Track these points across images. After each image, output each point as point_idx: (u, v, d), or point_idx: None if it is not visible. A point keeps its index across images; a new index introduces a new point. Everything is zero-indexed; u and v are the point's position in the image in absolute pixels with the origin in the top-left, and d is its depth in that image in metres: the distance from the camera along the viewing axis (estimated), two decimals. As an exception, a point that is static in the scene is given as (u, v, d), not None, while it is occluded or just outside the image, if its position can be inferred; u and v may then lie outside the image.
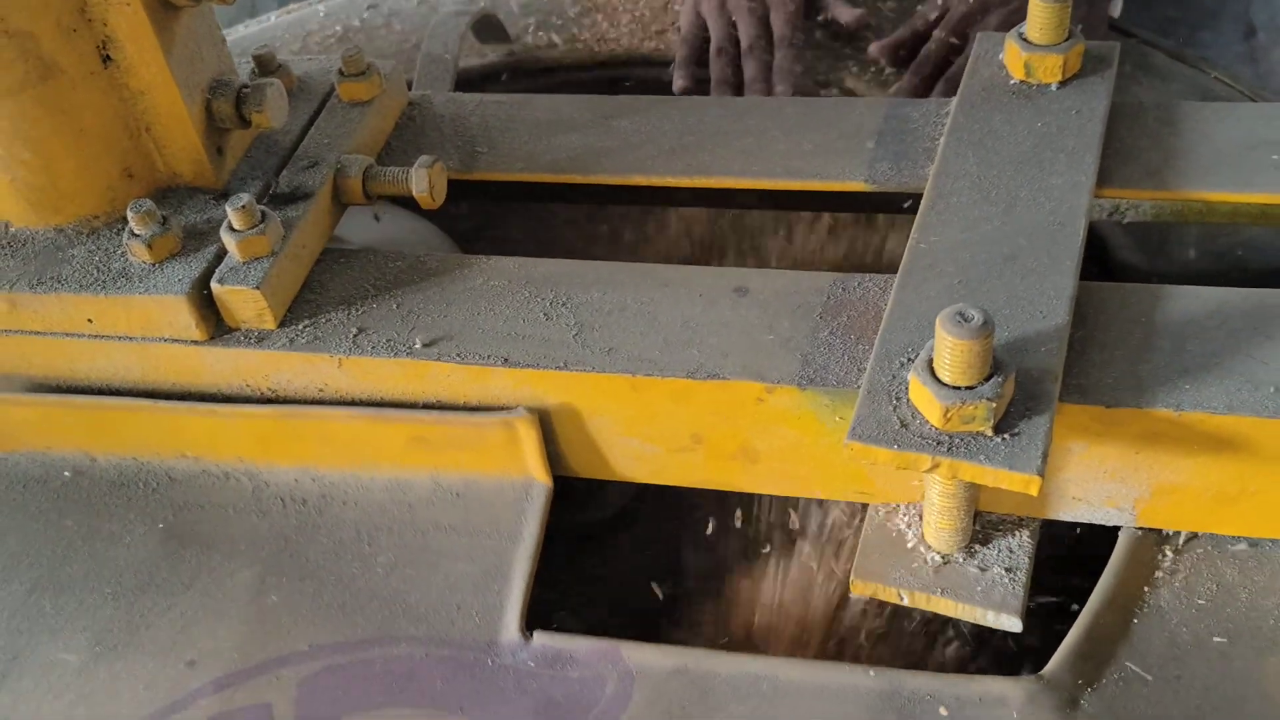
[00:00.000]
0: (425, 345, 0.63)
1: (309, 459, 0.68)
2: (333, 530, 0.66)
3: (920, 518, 0.61)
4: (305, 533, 0.66)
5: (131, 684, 0.60)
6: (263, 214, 0.64)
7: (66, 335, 0.67)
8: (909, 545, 0.61)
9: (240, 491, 0.68)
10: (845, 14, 0.92)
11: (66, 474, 0.71)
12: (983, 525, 0.61)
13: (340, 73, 0.75)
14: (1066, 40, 0.70)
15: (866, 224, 0.91)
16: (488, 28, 1.01)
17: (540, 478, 0.65)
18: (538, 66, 1.02)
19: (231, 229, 0.64)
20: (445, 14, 0.97)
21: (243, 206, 0.63)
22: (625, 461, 0.65)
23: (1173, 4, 3.23)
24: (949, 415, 0.51)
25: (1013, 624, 0.58)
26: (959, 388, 0.51)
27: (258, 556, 0.65)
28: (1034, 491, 0.51)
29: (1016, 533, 0.61)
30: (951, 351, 0.51)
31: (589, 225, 0.91)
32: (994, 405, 0.51)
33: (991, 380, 0.51)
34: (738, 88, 0.90)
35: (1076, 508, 0.60)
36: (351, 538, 0.65)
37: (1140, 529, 0.60)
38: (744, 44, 0.91)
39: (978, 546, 0.60)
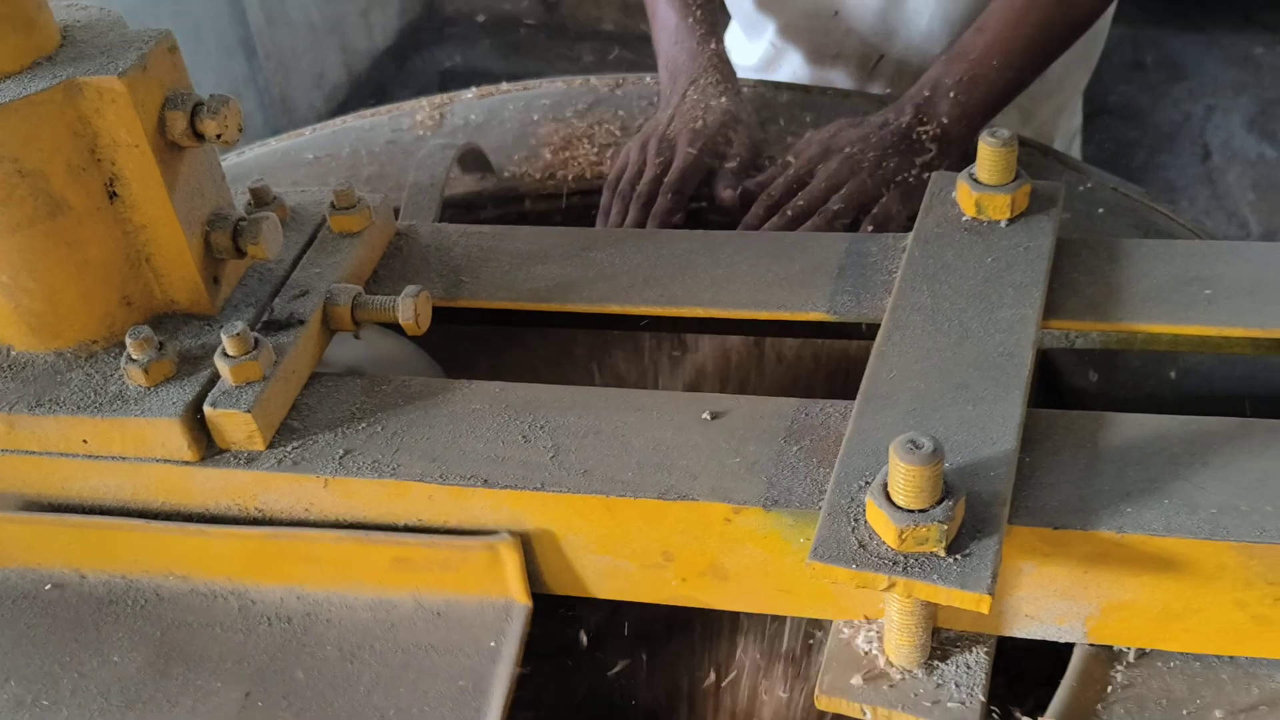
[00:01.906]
0: (408, 467, 0.66)
1: (294, 578, 0.70)
2: (317, 649, 0.68)
3: (881, 634, 0.64)
4: (290, 651, 0.68)
5: (115, 800, 0.62)
6: (255, 340, 0.68)
7: (62, 455, 0.70)
8: (871, 661, 0.63)
9: (227, 610, 0.70)
10: (724, 193, 0.98)
11: (56, 590, 0.72)
12: (941, 641, 0.64)
13: (331, 205, 0.79)
14: (1014, 180, 0.75)
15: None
16: (472, 159, 1.06)
17: (520, 599, 0.68)
18: (517, 194, 1.08)
19: (225, 355, 0.67)
20: (433, 145, 1.02)
21: (237, 334, 0.67)
22: (600, 580, 0.67)
23: (1133, 127, 3.35)
24: (904, 537, 0.54)
25: (971, 739, 0.60)
26: (912, 511, 0.55)
27: (244, 674, 0.67)
28: (985, 610, 0.54)
29: (973, 649, 0.63)
30: (904, 477, 0.54)
31: (567, 349, 0.95)
32: (946, 528, 0.54)
33: (943, 504, 0.55)
34: (620, 219, 0.97)
35: (1030, 625, 0.63)
36: (335, 656, 0.67)
37: (1092, 645, 0.63)
38: (641, 184, 0.97)
39: (937, 662, 0.63)
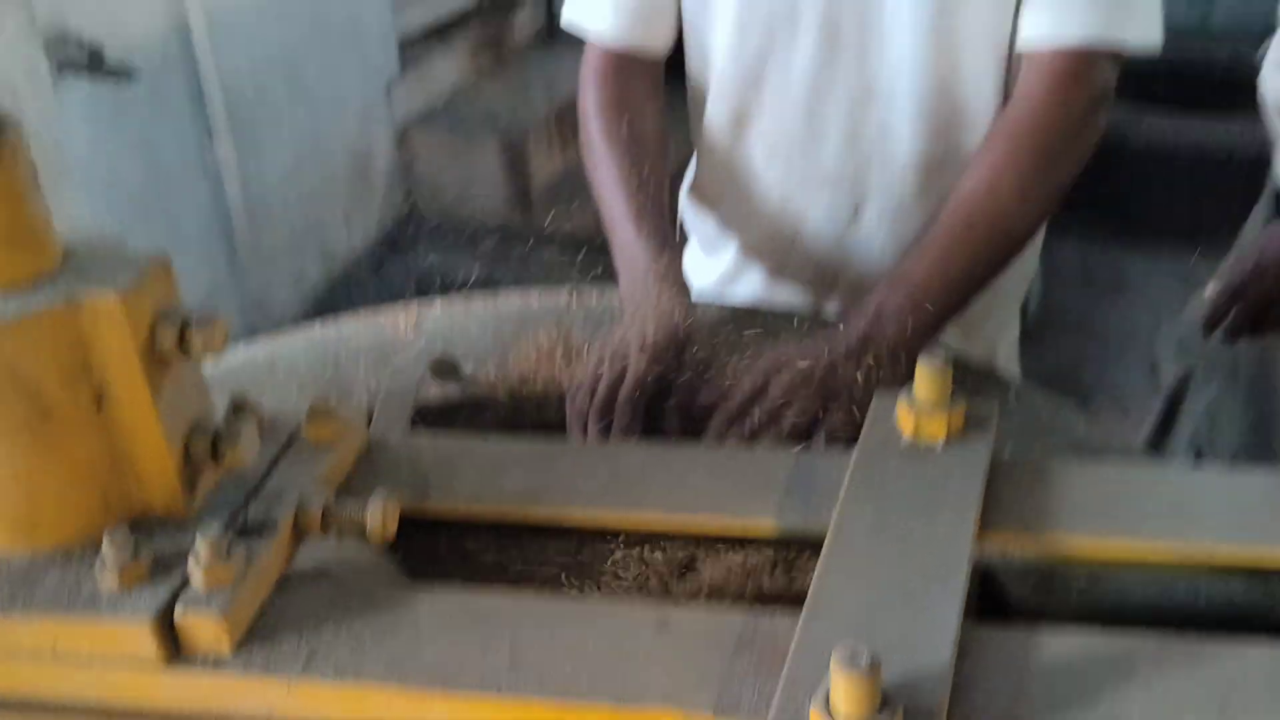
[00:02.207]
0: (370, 672, 0.68)
1: (251, 781, 0.71)
2: None
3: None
4: None
5: None
6: (228, 545, 0.71)
7: (34, 657, 0.71)
8: None
9: (181, 813, 0.71)
10: (679, 404, 1.04)
11: (10, 793, 0.73)
12: None
13: (307, 417, 0.83)
14: (950, 403, 0.80)
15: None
16: (445, 368, 1.11)
17: (472, 802, 0.69)
18: (487, 402, 1.12)
19: (198, 559, 0.70)
20: (407, 355, 1.08)
21: (210, 539, 0.70)
22: (553, 787, 0.69)
23: (1084, 340, 3.48)
24: (844, 747, 0.57)
25: None
26: (853, 721, 0.57)
27: None
28: (922, 821, 0.56)
29: None
30: (845, 688, 0.57)
31: (529, 553, 0.98)
32: (883, 739, 0.57)
33: (881, 714, 0.58)
34: (581, 433, 1.01)
35: (971, 837, 0.65)
36: None
37: None
38: (597, 398, 1.02)
39: None
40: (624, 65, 1.31)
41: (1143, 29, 1.15)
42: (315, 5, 3.28)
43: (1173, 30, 4.29)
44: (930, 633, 0.65)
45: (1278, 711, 0.61)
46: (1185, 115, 4.00)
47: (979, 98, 1.23)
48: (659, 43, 1.33)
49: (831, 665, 0.57)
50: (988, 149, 1.16)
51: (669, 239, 1.19)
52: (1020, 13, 1.17)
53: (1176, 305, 3.46)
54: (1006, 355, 1.48)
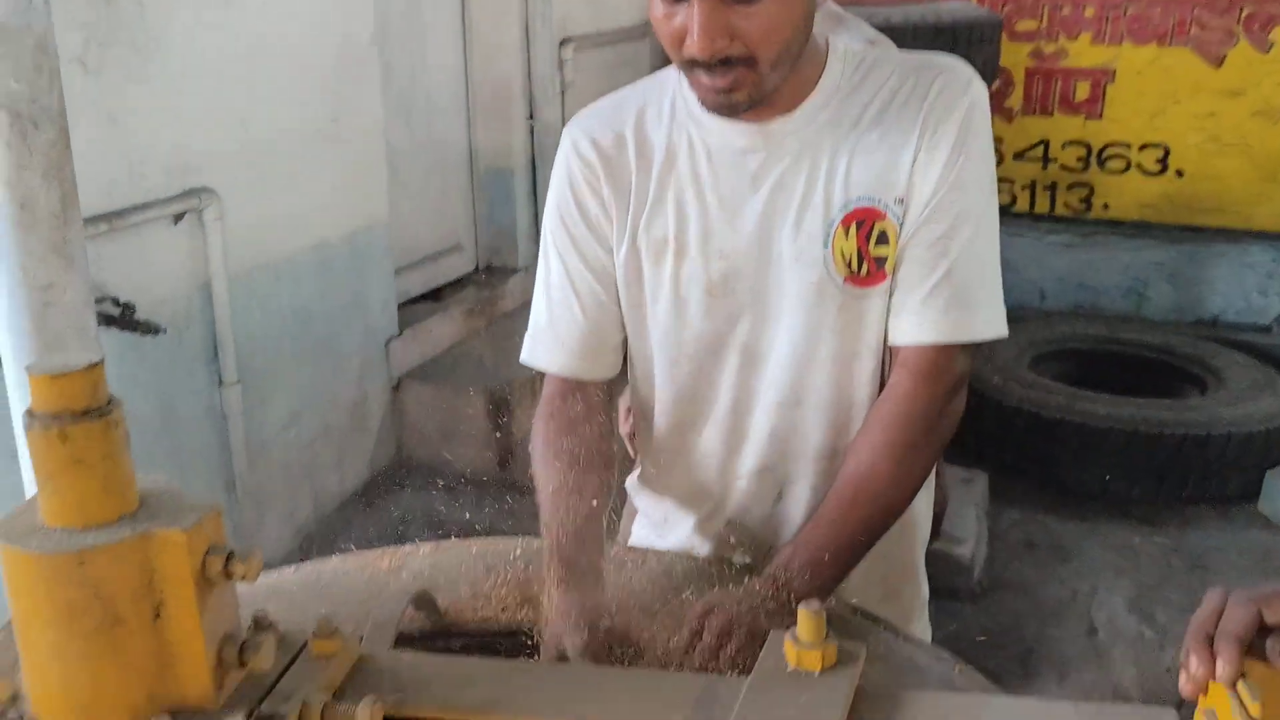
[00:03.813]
0: (353, 837, 0.86)
1: None
2: None
3: None
4: None
5: None
6: (247, 733, 0.90)
7: (81, 818, 0.89)
8: None
9: None
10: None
11: None
12: None
13: (314, 634, 1.04)
14: (824, 640, 1.02)
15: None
16: (424, 601, 1.32)
17: None
18: (460, 631, 1.33)
19: (224, 743, 0.89)
20: (393, 591, 1.29)
21: (236, 727, 0.89)
22: None
23: (1025, 602, 3.67)
24: None
25: None
26: None
27: None
28: None
29: None
30: None
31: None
32: None
33: None
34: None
35: None
36: None
37: None
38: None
39: None
40: (571, 390, 1.57)
41: (987, 323, 1.42)
42: (325, 271, 3.63)
43: (1111, 316, 4.77)
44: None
45: None
46: (1120, 396, 4.33)
47: (865, 394, 1.50)
48: (603, 372, 1.60)
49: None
50: (865, 434, 1.42)
51: (587, 568, 1.39)
52: (889, 317, 1.44)
53: (1111, 572, 3.69)
54: (919, 610, 1.69)
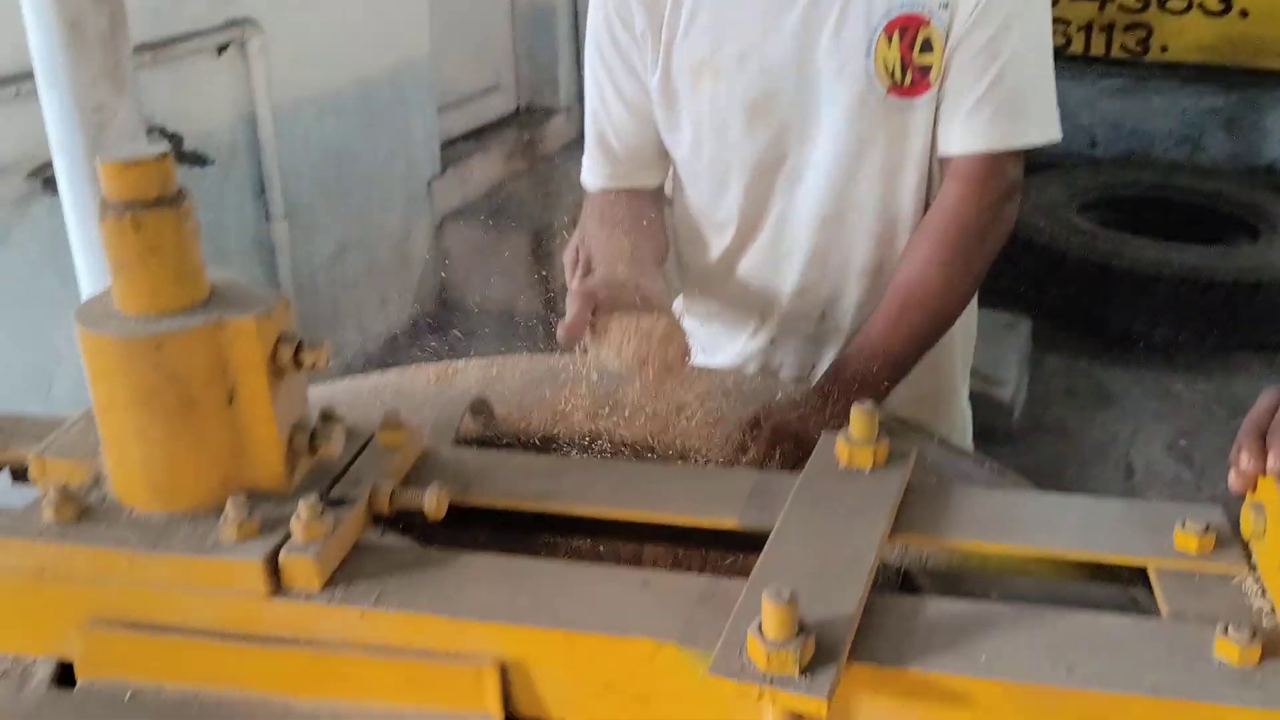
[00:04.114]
0: (424, 606, 0.91)
1: (328, 691, 0.93)
2: (338, 744, 0.90)
3: (762, 753, 0.87)
4: (318, 744, 0.90)
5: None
6: (320, 511, 0.94)
7: (167, 588, 0.94)
8: (754, 772, 0.86)
9: (273, 715, 0.93)
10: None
11: (134, 699, 0.95)
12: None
13: (381, 425, 1.07)
14: (876, 439, 1.04)
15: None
16: (480, 408, 1.35)
17: (495, 714, 0.91)
18: (511, 439, 1.36)
19: (299, 517, 0.93)
20: (454, 394, 1.32)
21: (310, 503, 0.93)
22: (558, 704, 0.91)
23: (1064, 445, 3.69)
24: (769, 659, 0.79)
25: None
26: (777, 641, 0.79)
27: (280, 760, 0.89)
28: (823, 713, 0.78)
29: (827, 766, 0.86)
30: (771, 616, 0.79)
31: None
32: (798, 654, 0.79)
33: (798, 637, 0.80)
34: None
35: (868, 750, 0.86)
36: (352, 751, 0.90)
37: (913, 769, 0.86)
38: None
39: (799, 773, 0.86)
40: (620, 196, 1.61)
41: (1040, 127, 1.41)
42: (368, 107, 3.60)
43: (1163, 163, 4.66)
44: (843, 592, 0.87)
45: (1092, 653, 0.83)
46: (1169, 242, 4.26)
47: (910, 209, 1.49)
48: (653, 181, 1.61)
49: (763, 599, 0.80)
50: (915, 245, 1.42)
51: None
52: (936, 127, 1.42)
53: (1151, 417, 3.70)
54: (960, 434, 1.71)
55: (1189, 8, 5.37)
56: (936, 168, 1.46)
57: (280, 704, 0.93)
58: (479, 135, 4.43)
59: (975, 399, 1.79)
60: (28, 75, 2.31)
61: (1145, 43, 5.49)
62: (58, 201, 2.52)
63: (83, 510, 0.98)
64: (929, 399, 1.59)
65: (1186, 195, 4.83)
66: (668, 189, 1.67)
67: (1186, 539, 0.94)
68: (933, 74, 1.40)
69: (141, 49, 2.64)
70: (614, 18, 1.53)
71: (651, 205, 1.60)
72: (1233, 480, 0.94)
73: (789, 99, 1.46)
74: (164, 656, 0.95)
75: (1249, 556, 0.93)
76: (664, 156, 1.61)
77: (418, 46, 3.83)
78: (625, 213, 1.55)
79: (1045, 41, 1.42)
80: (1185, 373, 3.96)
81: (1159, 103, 5.45)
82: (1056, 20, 5.43)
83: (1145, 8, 5.44)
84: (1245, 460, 0.92)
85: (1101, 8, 5.48)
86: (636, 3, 1.50)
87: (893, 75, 1.40)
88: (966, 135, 1.40)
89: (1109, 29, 5.50)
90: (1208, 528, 0.94)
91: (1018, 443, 3.51)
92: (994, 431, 3.49)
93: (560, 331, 1.22)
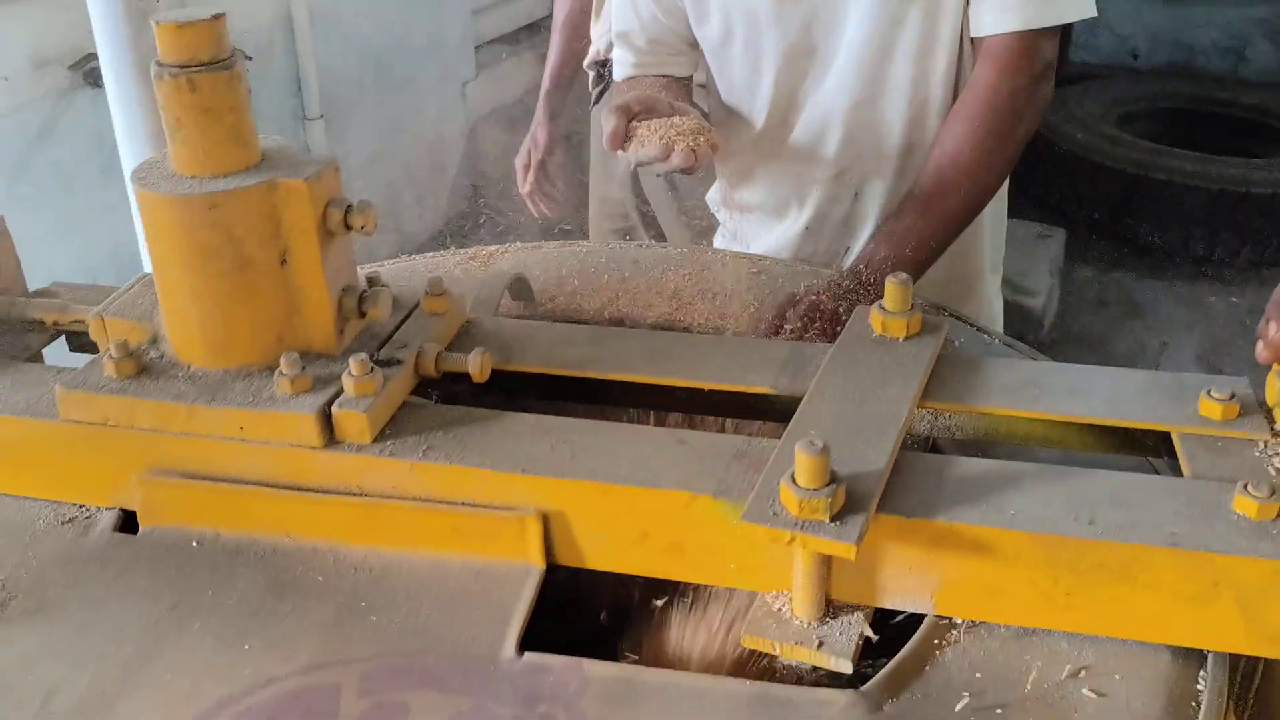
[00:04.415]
0: (470, 460, 0.95)
1: (376, 540, 0.97)
2: (389, 590, 0.94)
3: (790, 599, 0.90)
4: (369, 589, 0.94)
5: (241, 667, 0.88)
6: (370, 368, 0.98)
7: (223, 439, 0.98)
8: (783, 616, 0.90)
9: (324, 561, 0.97)
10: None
11: (198, 544, 1.00)
12: (833, 608, 0.91)
13: (425, 293, 1.10)
14: (910, 310, 1.06)
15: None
16: (520, 288, 1.38)
17: (538, 563, 0.95)
18: (548, 317, 1.39)
19: (350, 373, 0.97)
20: (491, 273, 1.35)
21: (360, 360, 0.97)
22: (594, 552, 0.95)
23: (1094, 355, 3.69)
24: (801, 506, 0.83)
25: (844, 666, 0.86)
26: (809, 489, 0.83)
27: (335, 602, 0.93)
28: (852, 556, 0.81)
29: (854, 613, 0.90)
30: (803, 465, 0.82)
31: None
32: (830, 501, 0.82)
33: (829, 486, 0.83)
34: None
35: (892, 598, 0.90)
36: (402, 595, 0.94)
37: (937, 616, 0.90)
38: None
39: (829, 619, 0.90)
40: (649, 79, 1.61)
41: (1073, 4, 1.40)
42: (403, 10, 3.59)
43: (1205, 76, 4.58)
44: (874, 448, 0.90)
45: (1113, 507, 0.86)
46: (1206, 155, 4.20)
47: (941, 91, 1.49)
48: (681, 71, 1.63)
49: (795, 450, 0.83)
50: (949, 126, 1.42)
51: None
52: (967, 8, 1.42)
53: (1183, 330, 3.69)
54: (989, 321, 1.73)
55: (1238, -85, 5.24)
56: (968, 49, 1.46)
57: (330, 551, 0.98)
58: (513, 38, 4.40)
59: (1005, 308, 1.79)
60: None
61: (1192, -51, 5.37)
62: (99, 94, 2.55)
63: (142, 366, 1.02)
64: (958, 282, 1.61)
65: (1228, 108, 4.76)
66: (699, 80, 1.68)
67: (1211, 406, 0.96)
68: None
69: (181, -57, 2.64)
70: None
71: (678, 82, 1.61)
72: (1260, 351, 0.96)
73: None
74: (220, 505, 0.99)
75: (1272, 424, 0.95)
76: (690, 49, 1.61)
77: (453, -55, 3.80)
78: (651, 80, 1.57)
79: None
80: (1218, 285, 3.94)
81: (1202, 13, 5.34)
82: (1101, -73, 5.31)
83: (1192, -85, 5.30)
84: (1273, 331, 0.94)
85: (1148, -86, 5.35)
86: None
87: None
88: (999, 14, 1.40)
89: (1155, -64, 5.38)
90: (1232, 395, 0.96)
91: (1046, 352, 3.50)
92: (1023, 340, 3.49)
93: (604, 140, 1.28)
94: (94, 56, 2.55)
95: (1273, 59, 5.25)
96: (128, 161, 2.04)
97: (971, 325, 1.34)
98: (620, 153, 1.32)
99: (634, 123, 1.31)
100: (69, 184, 2.58)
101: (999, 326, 1.78)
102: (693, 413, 1.15)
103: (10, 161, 2.49)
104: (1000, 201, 1.65)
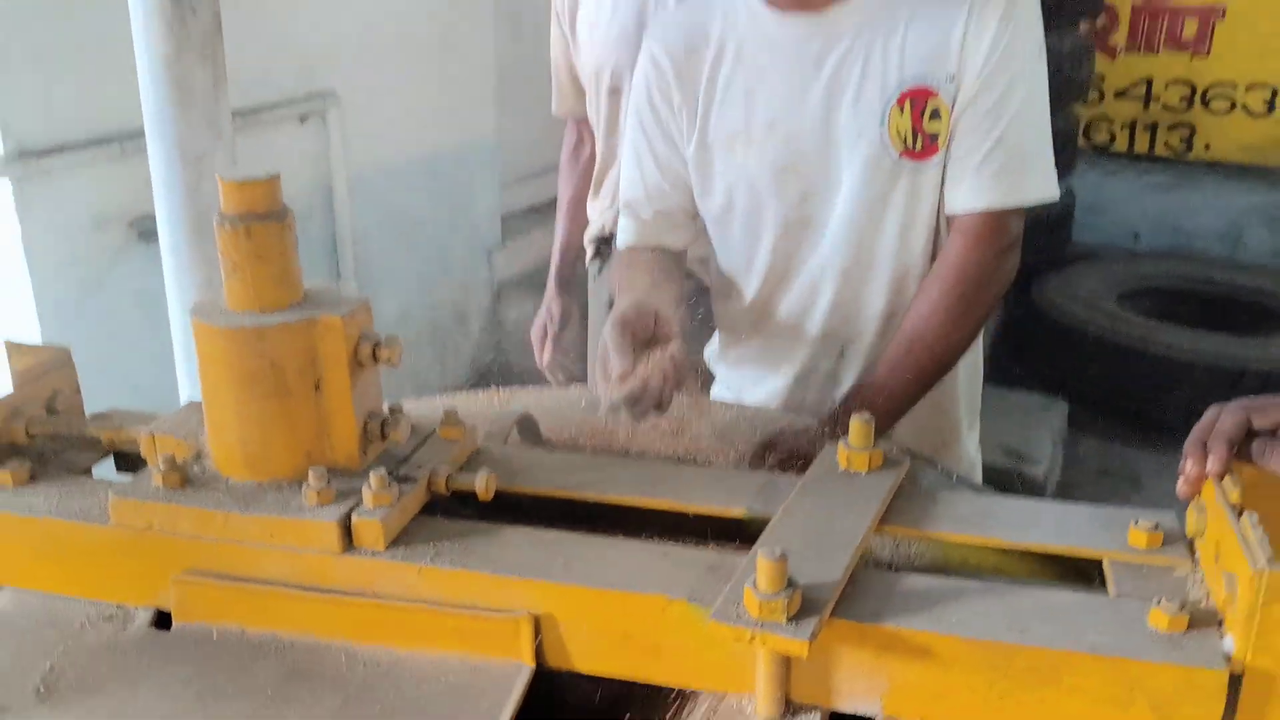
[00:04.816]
0: (472, 565, 1.06)
1: (385, 638, 1.08)
2: (395, 683, 1.04)
3: (754, 699, 1.00)
4: (377, 681, 1.05)
5: (260, 743, 0.97)
6: (389, 483, 1.10)
7: (254, 544, 1.10)
8: (747, 714, 1.00)
9: (336, 656, 1.08)
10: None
11: (220, 639, 1.10)
12: (792, 707, 1.00)
13: (441, 421, 1.23)
14: (872, 446, 1.18)
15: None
16: (527, 426, 1.51)
17: (528, 663, 1.05)
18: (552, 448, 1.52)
19: (369, 487, 1.09)
20: (502, 411, 1.48)
21: (380, 475, 1.09)
22: (580, 654, 1.05)
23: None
24: (761, 608, 0.93)
25: (801, 762, 0.95)
26: (768, 593, 0.94)
27: (344, 693, 1.04)
28: (804, 654, 0.91)
29: (813, 712, 1.00)
30: (763, 570, 0.94)
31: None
32: (787, 604, 0.93)
33: (787, 590, 0.94)
34: None
35: (846, 700, 0.99)
36: (406, 688, 1.04)
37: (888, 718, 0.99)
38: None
39: (789, 718, 0.99)
40: (648, 249, 1.78)
41: (1038, 186, 1.56)
42: (437, 179, 3.84)
43: (1203, 259, 4.78)
44: (832, 562, 1.01)
45: (1044, 619, 0.96)
46: (1204, 332, 4.34)
47: (920, 261, 1.64)
48: (679, 243, 1.79)
49: (758, 556, 0.94)
50: (923, 292, 1.57)
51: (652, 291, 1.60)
52: (944, 186, 1.59)
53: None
54: (966, 473, 1.84)
55: (1232, 108, 5.53)
56: (943, 222, 1.62)
57: (343, 647, 1.08)
58: (539, 210, 4.65)
59: (1008, 475, 1.88)
60: (130, 134, 2.56)
61: (1189, 141, 5.64)
62: (149, 250, 2.76)
63: (186, 478, 1.15)
64: (934, 434, 1.73)
65: (1225, 289, 4.93)
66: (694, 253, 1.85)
67: (1138, 535, 1.07)
68: (940, 139, 1.56)
69: (235, 114, 2.88)
70: (654, 91, 1.71)
71: (673, 259, 1.76)
72: (1180, 486, 1.08)
73: (813, 163, 1.63)
74: (247, 604, 1.11)
75: (1192, 553, 1.06)
76: (690, 220, 1.78)
77: (485, 126, 4.07)
78: (648, 258, 1.72)
79: (1043, 107, 1.58)
80: (1218, 459, 4.02)
81: (1201, 199, 5.58)
82: (1101, 119, 5.61)
83: (1189, 108, 5.60)
84: (1190, 466, 1.06)
85: (1146, 106, 5.65)
86: (674, 78, 1.68)
87: (905, 141, 1.57)
88: (970, 194, 1.56)
89: (1153, 128, 5.66)
90: (1157, 526, 1.07)
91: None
92: (1025, 506, 3.58)
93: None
94: (148, 216, 2.77)
95: (1268, 243, 5.46)
96: (174, 305, 2.21)
97: (949, 475, 1.46)
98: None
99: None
100: (116, 330, 2.76)
101: (977, 479, 1.89)
102: (677, 533, 1.26)
103: (67, 307, 2.68)
104: (975, 357, 1.79)
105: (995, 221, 1.56)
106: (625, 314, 1.43)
